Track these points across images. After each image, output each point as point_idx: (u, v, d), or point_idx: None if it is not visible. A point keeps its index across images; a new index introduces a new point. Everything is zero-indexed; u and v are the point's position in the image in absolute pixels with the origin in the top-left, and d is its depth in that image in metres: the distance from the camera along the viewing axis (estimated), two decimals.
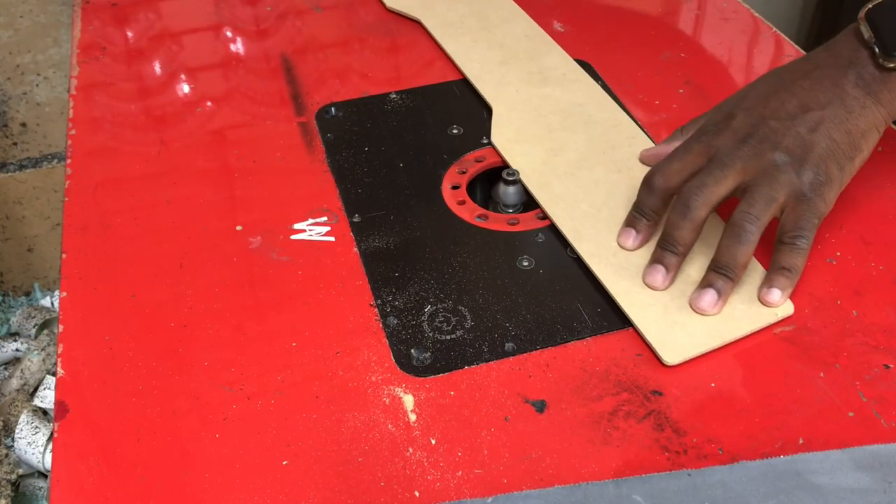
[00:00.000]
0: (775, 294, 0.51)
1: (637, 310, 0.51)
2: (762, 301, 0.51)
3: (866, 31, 0.51)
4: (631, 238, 0.55)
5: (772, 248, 0.52)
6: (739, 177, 0.52)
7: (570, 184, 0.59)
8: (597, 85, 0.69)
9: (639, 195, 0.55)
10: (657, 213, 0.55)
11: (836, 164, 0.51)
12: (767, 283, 0.51)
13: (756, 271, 0.53)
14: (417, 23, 0.79)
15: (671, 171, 0.54)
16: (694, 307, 0.51)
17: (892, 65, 0.51)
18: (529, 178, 0.60)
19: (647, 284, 0.52)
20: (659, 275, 0.52)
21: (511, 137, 0.64)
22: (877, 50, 0.51)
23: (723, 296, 0.51)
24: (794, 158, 0.51)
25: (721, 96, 0.59)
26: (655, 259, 0.53)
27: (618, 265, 0.53)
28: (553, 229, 0.57)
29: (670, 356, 0.48)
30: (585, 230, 0.56)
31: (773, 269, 0.52)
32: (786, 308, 0.51)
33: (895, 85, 0.51)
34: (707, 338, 0.49)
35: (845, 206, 0.58)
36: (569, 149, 0.63)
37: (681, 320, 0.50)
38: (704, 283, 0.51)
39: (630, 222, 0.56)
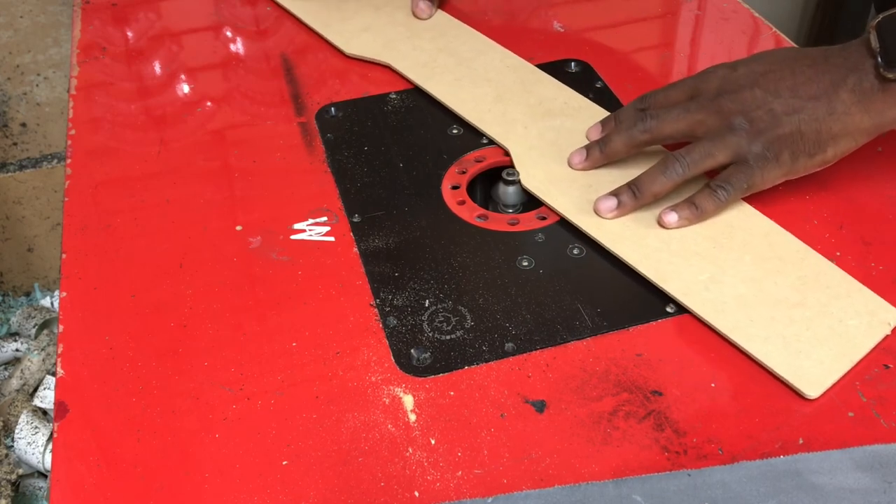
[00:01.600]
0: (672, 216, 0.55)
1: (757, 345, 0.49)
2: (659, 220, 0.56)
3: (874, 41, 0.52)
4: (597, 132, 0.62)
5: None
6: (692, 127, 0.56)
7: (628, 221, 0.56)
8: (602, 109, 0.66)
9: (626, 105, 0.61)
10: None
11: (790, 152, 0.54)
12: (672, 206, 0.56)
13: (852, 287, 0.52)
14: (388, 67, 0.73)
15: (656, 100, 0.59)
16: (594, 208, 0.57)
17: (891, 76, 0.51)
18: (582, 221, 0.56)
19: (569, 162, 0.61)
20: (579, 155, 0.60)
21: (542, 178, 0.60)
22: (880, 60, 0.51)
23: (621, 208, 0.56)
24: (754, 128, 0.54)
25: None
26: (578, 150, 0.61)
27: (715, 300, 0.51)
28: (554, 229, 0.57)
29: (812, 389, 0.46)
30: (665, 268, 0.53)
31: (685, 200, 0.56)
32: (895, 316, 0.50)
33: (889, 97, 0.52)
34: (836, 362, 0.48)
35: (845, 206, 0.58)
36: (605, 182, 0.59)
37: (803, 349, 0.48)
38: (613, 192, 0.57)
39: (603, 120, 0.62)
